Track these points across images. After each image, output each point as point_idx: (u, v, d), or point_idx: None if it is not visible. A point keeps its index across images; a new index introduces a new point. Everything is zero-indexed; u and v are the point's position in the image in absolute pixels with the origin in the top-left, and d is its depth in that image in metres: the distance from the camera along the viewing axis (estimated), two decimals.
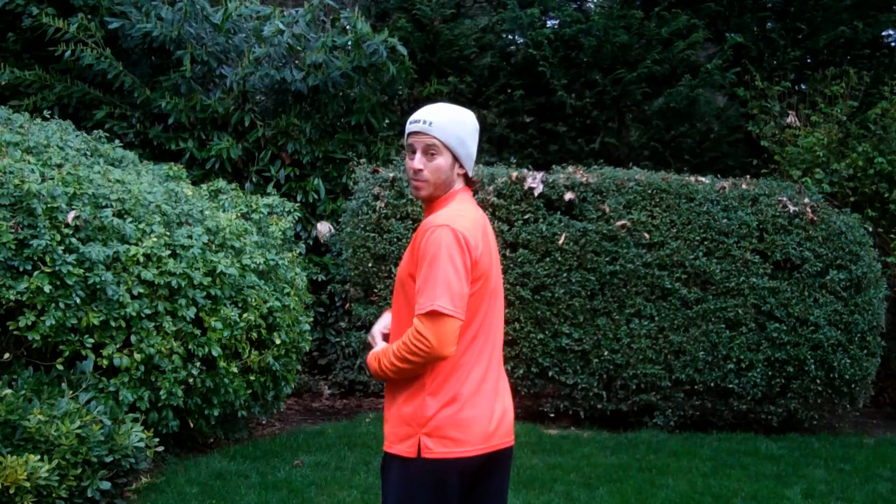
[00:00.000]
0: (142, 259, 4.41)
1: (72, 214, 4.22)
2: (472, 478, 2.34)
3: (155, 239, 4.51)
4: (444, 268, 2.22)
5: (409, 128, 2.40)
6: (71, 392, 4.07)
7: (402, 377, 2.32)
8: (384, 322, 2.53)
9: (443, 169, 2.36)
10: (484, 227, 2.39)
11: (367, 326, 6.42)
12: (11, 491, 3.48)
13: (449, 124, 2.36)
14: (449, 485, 2.28)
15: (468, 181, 2.46)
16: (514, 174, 6.17)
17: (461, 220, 2.30)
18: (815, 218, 6.12)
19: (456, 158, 2.38)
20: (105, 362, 4.23)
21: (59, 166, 4.68)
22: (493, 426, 2.34)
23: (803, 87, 8.63)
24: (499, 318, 2.45)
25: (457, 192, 2.41)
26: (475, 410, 2.31)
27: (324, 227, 7.18)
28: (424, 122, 2.35)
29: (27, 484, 3.51)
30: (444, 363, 2.29)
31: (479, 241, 2.32)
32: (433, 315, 2.20)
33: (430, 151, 2.36)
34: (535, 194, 6.08)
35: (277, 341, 5.11)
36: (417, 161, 2.37)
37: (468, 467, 2.31)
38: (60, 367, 4.14)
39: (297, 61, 7.36)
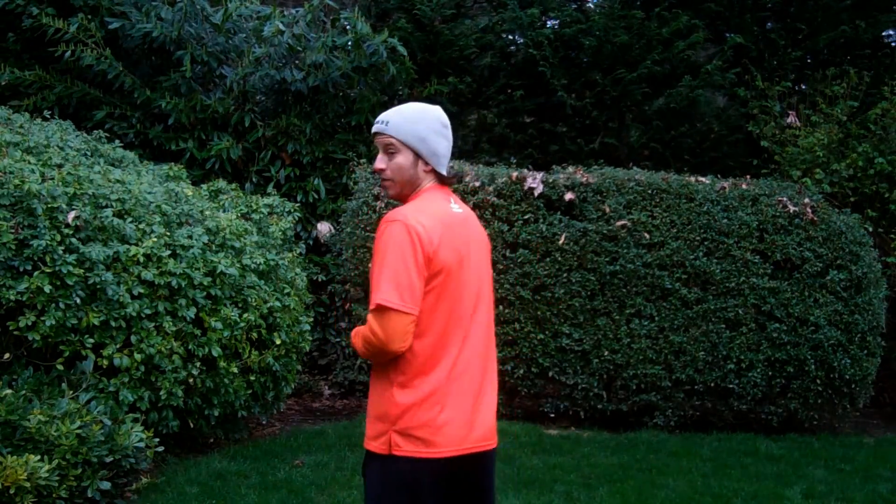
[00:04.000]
0: (142, 259, 4.41)
1: (72, 214, 4.22)
2: (447, 480, 2.30)
3: (155, 239, 4.50)
4: (394, 262, 2.22)
5: (373, 129, 2.45)
6: (71, 392, 4.07)
7: (372, 361, 2.35)
8: None
9: (404, 167, 2.38)
10: (450, 224, 2.34)
11: None
12: (11, 491, 3.48)
13: (404, 123, 2.38)
14: (423, 485, 2.26)
15: (443, 178, 2.43)
16: (515, 174, 6.17)
17: (417, 215, 2.28)
18: (815, 218, 6.12)
19: (418, 156, 2.38)
20: (105, 362, 4.22)
21: (59, 166, 4.68)
22: (468, 429, 2.30)
23: (803, 87, 8.63)
24: (485, 316, 2.41)
25: (425, 190, 2.40)
26: (448, 412, 2.27)
27: (324, 227, 7.18)
28: (382, 123, 2.40)
29: (27, 484, 3.51)
30: (410, 360, 2.27)
31: (437, 236, 2.27)
32: (380, 310, 2.22)
33: (389, 150, 2.39)
34: (536, 194, 6.08)
35: (277, 341, 5.11)
36: (379, 160, 2.42)
37: (441, 469, 2.27)
38: (60, 367, 4.14)
39: (297, 61, 7.35)
